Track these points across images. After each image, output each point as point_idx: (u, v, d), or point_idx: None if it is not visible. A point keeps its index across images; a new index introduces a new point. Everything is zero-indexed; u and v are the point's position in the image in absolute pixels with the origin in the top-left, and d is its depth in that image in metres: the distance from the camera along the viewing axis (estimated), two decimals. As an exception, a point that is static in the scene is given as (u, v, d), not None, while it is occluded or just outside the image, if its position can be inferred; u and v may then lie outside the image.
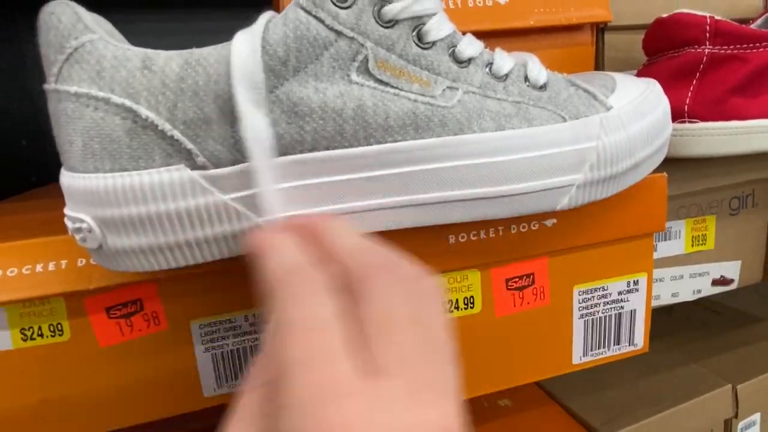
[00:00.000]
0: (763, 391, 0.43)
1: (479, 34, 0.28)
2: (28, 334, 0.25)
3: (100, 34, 0.18)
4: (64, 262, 0.23)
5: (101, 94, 0.17)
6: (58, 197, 0.39)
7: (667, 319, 0.53)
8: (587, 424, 0.39)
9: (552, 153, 0.21)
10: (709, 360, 0.45)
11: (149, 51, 0.18)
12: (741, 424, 0.44)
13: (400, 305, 0.14)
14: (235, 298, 0.27)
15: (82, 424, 0.26)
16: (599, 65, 0.34)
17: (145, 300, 0.25)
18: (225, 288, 0.26)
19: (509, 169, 0.20)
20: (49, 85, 0.18)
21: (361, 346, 0.14)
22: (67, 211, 0.19)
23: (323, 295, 0.14)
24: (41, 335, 0.25)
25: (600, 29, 0.34)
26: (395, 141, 0.19)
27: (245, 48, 0.17)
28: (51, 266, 0.23)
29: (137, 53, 0.18)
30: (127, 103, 0.17)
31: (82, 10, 0.18)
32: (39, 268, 0.23)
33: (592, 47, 0.33)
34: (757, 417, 0.44)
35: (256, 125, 0.17)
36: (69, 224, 0.19)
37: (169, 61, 0.18)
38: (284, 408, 0.13)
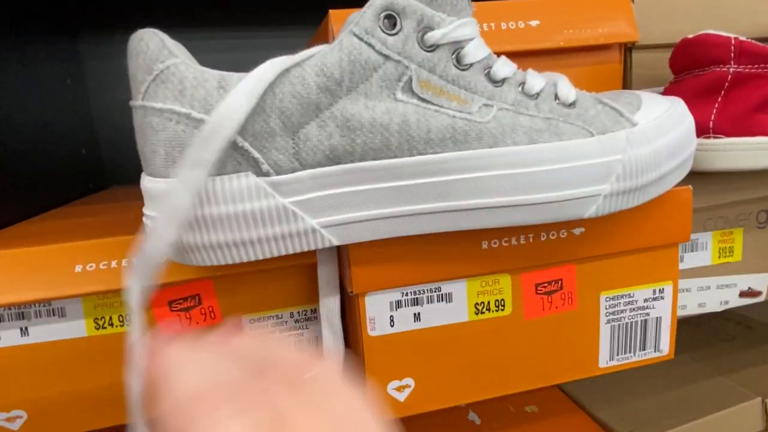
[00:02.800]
0: (794, 405, 0.43)
1: (512, 54, 0.30)
2: (101, 323, 0.27)
3: (182, 58, 0.21)
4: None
5: (183, 110, 0.20)
6: (118, 201, 0.43)
7: (695, 332, 0.53)
8: (613, 432, 0.39)
9: (580, 165, 0.22)
10: (738, 373, 0.45)
11: (224, 73, 0.21)
12: (772, 439, 0.43)
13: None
14: (283, 296, 0.29)
15: (144, 406, 0.29)
16: (627, 83, 0.36)
17: (203, 295, 0.28)
18: (274, 286, 0.29)
19: (540, 179, 0.22)
20: (137, 102, 0.21)
21: None
22: (146, 210, 0.22)
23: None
24: (112, 324, 0.28)
25: (628, 48, 0.35)
26: (436, 153, 0.22)
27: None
28: (124, 263, 0.26)
29: (214, 75, 0.20)
30: (206, 118, 0.20)
31: (166, 38, 0.21)
32: (114, 264, 0.26)
33: (620, 65, 0.34)
34: (789, 432, 0.44)
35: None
36: (148, 222, 0.22)
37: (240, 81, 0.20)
38: None
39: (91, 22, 0.55)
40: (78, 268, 0.26)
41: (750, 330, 0.53)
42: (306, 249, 0.22)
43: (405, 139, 0.21)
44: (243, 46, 0.58)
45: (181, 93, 0.20)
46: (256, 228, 0.21)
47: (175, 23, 0.57)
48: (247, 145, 0.20)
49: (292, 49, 0.21)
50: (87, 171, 0.53)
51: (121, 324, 0.28)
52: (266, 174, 0.21)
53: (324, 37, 0.30)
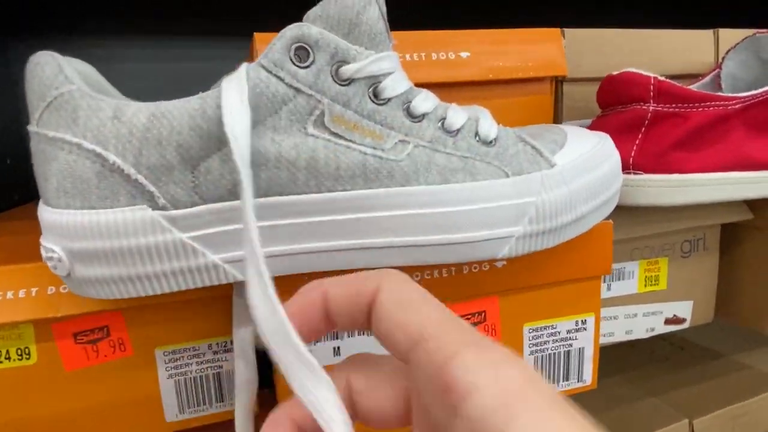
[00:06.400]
0: (719, 426, 0.43)
1: (442, 85, 0.30)
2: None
3: (78, 84, 0.19)
4: (34, 290, 0.25)
5: (74, 139, 0.19)
6: (36, 219, 0.40)
7: (630, 354, 0.54)
8: (547, 456, 0.40)
9: (492, 206, 0.22)
10: (669, 394, 0.46)
11: (121, 102, 0.20)
12: (698, 459, 0.44)
13: None
14: (200, 327, 0.28)
15: (44, 444, 0.27)
16: (558, 114, 0.36)
17: (111, 327, 0.27)
18: (189, 317, 0.28)
19: (451, 219, 0.22)
20: (32, 127, 0.20)
21: None
22: (42, 240, 0.21)
23: None
24: (8, 358, 0.26)
25: (558, 81, 0.36)
26: (345, 190, 0.21)
27: (234, 100, 0.19)
28: (21, 293, 0.24)
29: (110, 104, 0.19)
30: (97, 149, 0.19)
31: (64, 62, 0.20)
32: (9, 295, 0.24)
33: (551, 97, 0.35)
34: (713, 452, 0.45)
35: (248, 174, 0.18)
36: (43, 252, 0.21)
37: (137, 112, 0.19)
38: None
39: (23, 25, 0.53)
40: (-25, 299, 0.24)
41: (682, 351, 0.55)
42: (210, 284, 0.21)
43: (313, 176, 0.21)
44: (175, 56, 0.56)
45: (74, 122, 0.19)
46: (153, 263, 0.20)
47: (108, 29, 0.54)
48: (141, 178, 0.19)
49: (222, 60, 0.21)
50: (12, 182, 0.50)
51: (20, 358, 0.26)
52: (163, 208, 0.20)
53: (250, 61, 0.29)
